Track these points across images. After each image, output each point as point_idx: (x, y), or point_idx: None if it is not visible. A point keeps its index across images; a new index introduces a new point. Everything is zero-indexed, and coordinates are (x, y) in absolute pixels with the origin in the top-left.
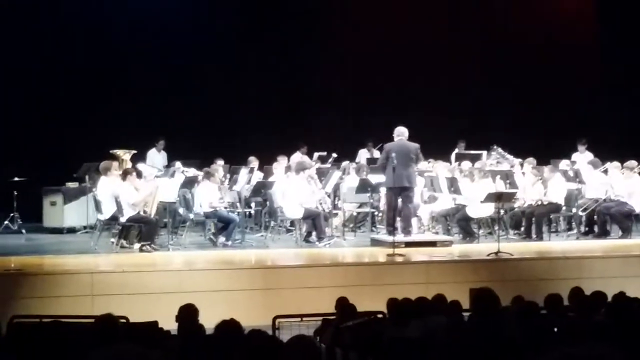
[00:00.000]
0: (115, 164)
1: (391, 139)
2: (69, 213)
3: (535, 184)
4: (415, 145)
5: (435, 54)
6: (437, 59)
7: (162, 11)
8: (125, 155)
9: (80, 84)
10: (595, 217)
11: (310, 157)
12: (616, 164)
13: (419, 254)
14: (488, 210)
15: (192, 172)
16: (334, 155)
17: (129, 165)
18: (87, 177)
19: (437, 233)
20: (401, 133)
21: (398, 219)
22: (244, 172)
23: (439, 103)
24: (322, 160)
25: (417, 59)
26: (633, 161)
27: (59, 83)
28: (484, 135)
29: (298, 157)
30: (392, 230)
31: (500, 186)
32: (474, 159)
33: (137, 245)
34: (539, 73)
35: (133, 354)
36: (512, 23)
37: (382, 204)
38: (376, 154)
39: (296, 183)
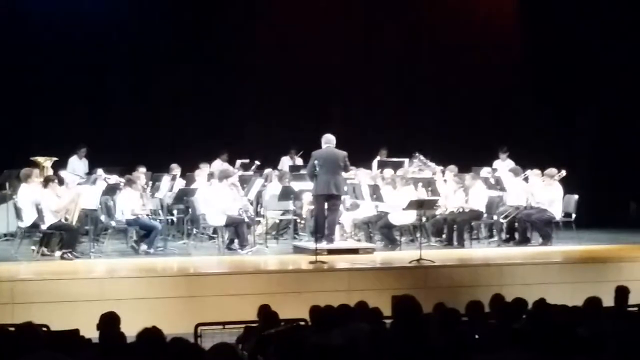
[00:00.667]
0: (36, 171)
1: (314, 147)
2: None
3: (456, 192)
4: (342, 153)
5: (357, 60)
6: (360, 65)
7: (82, 14)
8: (46, 162)
9: None
10: (516, 224)
11: (232, 164)
12: (537, 171)
13: (341, 261)
14: (410, 217)
15: (114, 179)
16: (257, 162)
17: (50, 172)
18: (7, 185)
19: (359, 240)
20: (329, 141)
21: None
22: (166, 179)
23: (362, 110)
24: (245, 167)
25: (339, 66)
26: (553, 169)
27: None
28: (406, 142)
29: (219, 164)
30: (319, 237)
31: (422, 193)
32: (396, 166)
33: (58, 253)
34: (461, 79)
35: None
36: (433, 26)
37: (305, 212)
38: (298, 161)
39: (219, 190)
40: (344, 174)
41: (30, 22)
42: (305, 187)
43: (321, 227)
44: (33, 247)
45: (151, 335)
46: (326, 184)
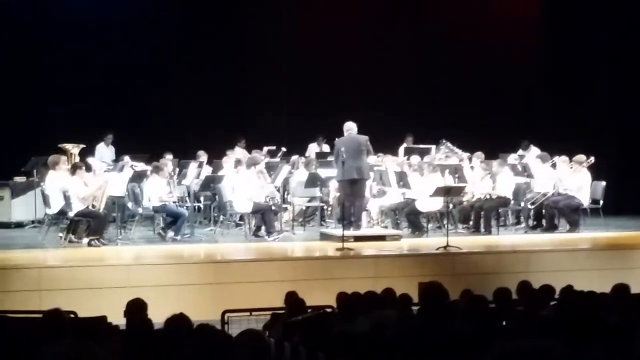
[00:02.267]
0: (63, 158)
1: (341, 134)
2: (16, 207)
3: (483, 178)
4: (364, 137)
5: (384, 48)
6: (386, 53)
7: (108, 7)
8: (74, 149)
9: (28, 77)
10: (544, 211)
11: (249, 151)
12: (564, 158)
13: (368, 248)
14: (437, 204)
15: (140, 166)
16: (283, 149)
17: (77, 159)
18: (35, 172)
19: (386, 227)
20: (350, 128)
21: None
22: (193, 166)
23: (388, 97)
24: (272, 154)
25: (366, 54)
26: (582, 155)
27: (6, 77)
28: (433, 129)
29: (239, 151)
30: (345, 223)
31: (449, 180)
32: (423, 153)
33: (85, 240)
34: (490, 68)
35: (81, 348)
36: (464, 19)
37: (332, 198)
38: (325, 148)
39: (246, 177)
40: (369, 160)
41: (57, 9)
42: (332, 174)
43: (347, 213)
44: (60, 234)
45: (178, 322)
46: (349, 169)
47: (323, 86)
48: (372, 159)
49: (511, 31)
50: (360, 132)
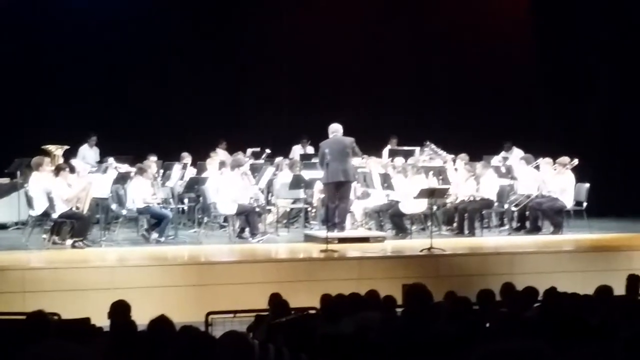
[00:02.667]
0: (47, 159)
1: (326, 135)
2: (0, 209)
3: (467, 180)
4: (349, 139)
5: (367, 51)
6: (370, 55)
7: (93, 8)
8: (58, 150)
9: (10, 79)
10: (527, 213)
11: (233, 152)
12: (548, 160)
13: (352, 250)
14: (421, 206)
15: (124, 168)
16: (267, 151)
17: (61, 160)
18: (18, 173)
19: (370, 229)
20: (335, 130)
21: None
22: (177, 168)
23: (372, 99)
24: (256, 156)
25: (350, 56)
26: (565, 157)
27: None
28: (417, 131)
29: (221, 153)
30: (329, 225)
31: (432, 182)
32: (407, 154)
33: (69, 242)
34: (472, 69)
35: (65, 350)
36: (446, 19)
37: (315, 200)
38: (310, 149)
39: (230, 179)
40: (354, 161)
41: (44, 12)
42: (316, 175)
43: (331, 216)
44: (44, 236)
45: (161, 323)
46: (335, 172)
47: (323, 86)
48: (356, 161)
49: (511, 31)
50: (344, 132)
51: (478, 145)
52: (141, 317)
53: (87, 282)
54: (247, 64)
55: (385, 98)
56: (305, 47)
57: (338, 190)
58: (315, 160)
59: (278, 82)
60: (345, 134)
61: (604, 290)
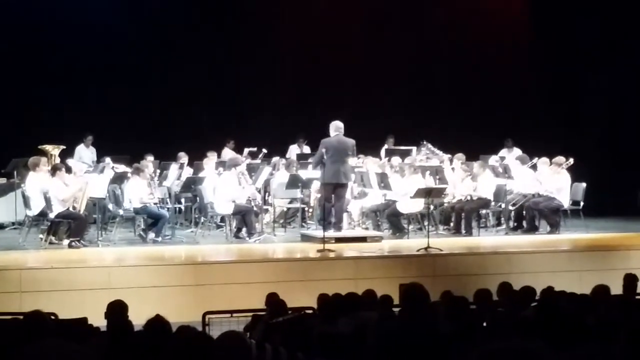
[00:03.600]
0: (44, 159)
1: (323, 135)
2: None
3: (464, 180)
4: (351, 141)
5: (366, 51)
6: (368, 55)
7: (89, 8)
8: (54, 150)
9: (7, 78)
10: (524, 212)
11: (240, 152)
12: (545, 159)
13: (349, 250)
14: (418, 205)
15: (121, 167)
16: (264, 150)
17: (58, 160)
18: (15, 173)
19: (367, 229)
20: (338, 128)
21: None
22: (173, 167)
23: (369, 99)
24: (253, 155)
25: (348, 56)
26: (561, 157)
27: None
28: (414, 130)
29: (228, 152)
30: (327, 224)
31: (430, 182)
32: (404, 154)
33: (66, 242)
34: (469, 69)
35: (62, 349)
36: (445, 19)
37: (313, 200)
38: (306, 149)
39: (227, 179)
40: (350, 161)
41: (41, 11)
42: (313, 175)
43: (329, 215)
44: (41, 236)
45: (158, 323)
46: (335, 173)
47: (320, 86)
48: (352, 160)
49: (509, 31)
50: (356, 131)
51: (475, 145)
52: (138, 317)
53: (84, 282)
54: (245, 64)
55: (382, 98)
56: (304, 47)
57: (336, 190)
58: (312, 160)
59: (275, 82)
60: (343, 133)
61: (601, 290)
